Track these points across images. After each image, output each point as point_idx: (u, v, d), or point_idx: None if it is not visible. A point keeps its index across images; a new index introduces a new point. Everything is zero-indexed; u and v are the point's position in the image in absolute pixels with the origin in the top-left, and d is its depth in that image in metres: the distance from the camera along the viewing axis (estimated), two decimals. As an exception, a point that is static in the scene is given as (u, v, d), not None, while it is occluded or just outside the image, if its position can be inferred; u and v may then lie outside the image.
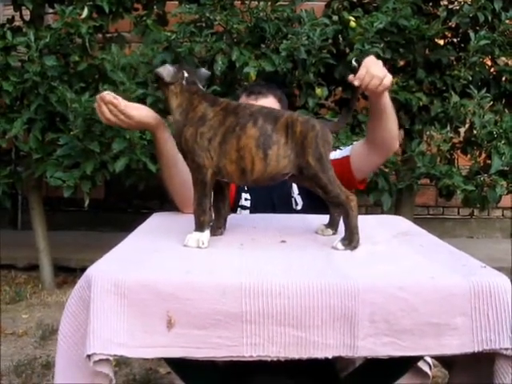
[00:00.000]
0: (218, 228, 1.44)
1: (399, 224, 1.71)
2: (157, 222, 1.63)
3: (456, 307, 1.08)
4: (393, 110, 1.69)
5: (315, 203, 1.62)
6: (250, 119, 1.32)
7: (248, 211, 1.88)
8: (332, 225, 1.45)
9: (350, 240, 1.31)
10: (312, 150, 1.29)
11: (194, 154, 1.33)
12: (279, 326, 1.04)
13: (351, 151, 1.81)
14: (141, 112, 1.56)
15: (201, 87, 1.41)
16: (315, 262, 1.20)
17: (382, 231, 1.55)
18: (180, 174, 1.59)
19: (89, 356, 0.99)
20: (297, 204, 1.89)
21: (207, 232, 1.34)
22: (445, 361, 1.31)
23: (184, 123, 1.35)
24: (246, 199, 1.89)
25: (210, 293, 1.03)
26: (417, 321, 1.06)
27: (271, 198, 1.87)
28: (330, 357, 1.05)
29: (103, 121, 1.54)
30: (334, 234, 1.44)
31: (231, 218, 1.80)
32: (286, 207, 1.87)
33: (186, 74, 1.40)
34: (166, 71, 1.40)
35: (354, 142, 1.89)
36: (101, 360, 1.00)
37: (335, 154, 1.83)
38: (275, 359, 1.04)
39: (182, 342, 1.03)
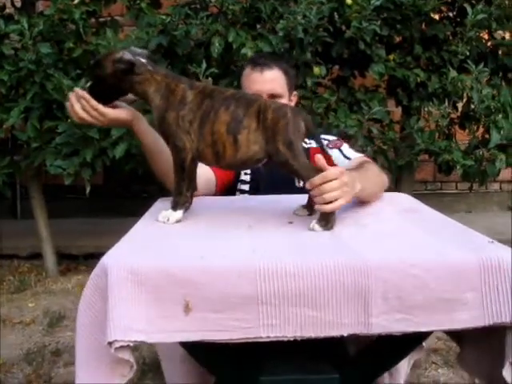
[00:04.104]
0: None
1: (403, 201, 1.72)
2: (162, 207, 1.64)
3: (466, 282, 1.10)
4: (373, 183, 1.56)
5: None
6: (223, 104, 1.33)
7: (248, 186, 1.88)
8: (308, 205, 1.45)
9: (327, 220, 1.30)
10: (282, 137, 1.29)
11: (176, 138, 1.35)
12: (294, 306, 1.05)
13: (345, 167, 1.78)
14: (115, 109, 1.50)
15: (164, 69, 1.42)
16: (325, 242, 1.22)
17: (387, 209, 1.57)
18: (167, 162, 1.52)
19: (110, 343, 1.01)
20: (299, 181, 1.89)
21: (180, 211, 1.40)
22: (455, 335, 1.33)
23: (165, 108, 1.36)
24: (245, 173, 1.89)
25: (225, 276, 1.05)
26: (428, 297, 1.08)
27: (272, 174, 1.85)
28: (345, 335, 1.07)
29: (76, 119, 1.49)
30: (309, 214, 1.43)
31: (236, 199, 1.82)
32: (289, 184, 1.87)
33: (144, 60, 1.40)
34: (137, 60, 1.38)
35: (355, 157, 1.84)
36: (121, 347, 1.01)
37: (336, 157, 1.84)
38: (292, 339, 1.06)
39: (200, 326, 1.05)
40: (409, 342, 1.25)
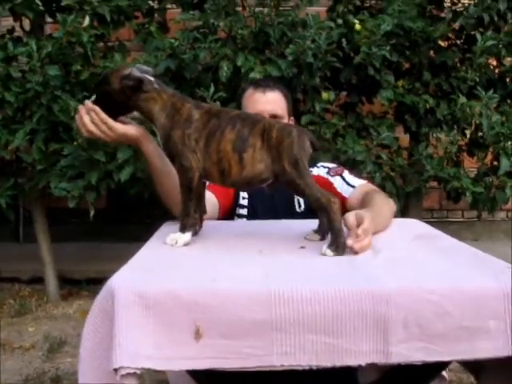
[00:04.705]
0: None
1: (416, 227, 1.69)
2: (168, 231, 1.60)
3: (488, 310, 1.06)
4: (385, 217, 1.59)
5: None
6: (229, 123, 1.32)
7: (246, 210, 1.86)
8: (319, 230, 1.43)
9: (337, 244, 1.27)
10: (287, 156, 1.28)
11: (182, 157, 1.33)
12: (310, 333, 1.00)
13: (351, 196, 1.78)
14: (123, 124, 1.47)
15: (171, 89, 1.41)
16: (340, 268, 1.18)
17: (400, 234, 1.54)
18: (174, 182, 1.49)
19: (115, 370, 0.96)
20: (300, 206, 1.86)
21: (188, 233, 1.37)
22: (473, 366, 1.28)
23: (171, 126, 1.35)
24: (243, 198, 1.87)
25: (238, 301, 1.00)
26: (450, 325, 1.04)
27: (273, 199, 1.84)
28: (363, 364, 1.02)
29: (84, 134, 1.46)
30: (320, 239, 1.41)
31: (242, 223, 1.78)
32: (288, 209, 1.85)
33: (151, 78, 1.39)
34: (145, 77, 1.37)
35: (359, 185, 1.82)
36: (128, 374, 0.96)
37: (339, 184, 1.82)
38: (307, 368, 1.01)
39: (210, 353, 1.00)
40: (427, 372, 1.20)
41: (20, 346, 2.84)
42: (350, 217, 1.34)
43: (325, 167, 1.91)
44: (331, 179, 1.84)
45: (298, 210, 1.86)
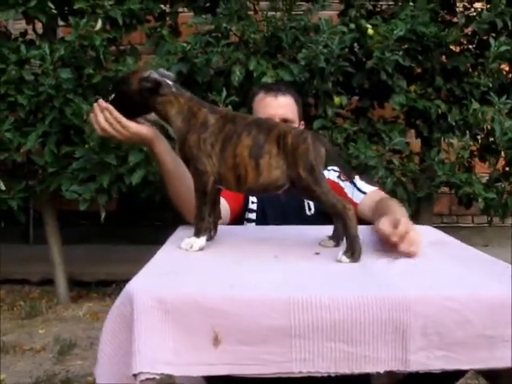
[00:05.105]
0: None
1: (429, 233, 1.68)
2: (183, 235, 1.60)
3: (507, 318, 1.05)
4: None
5: None
6: (245, 129, 1.32)
7: (254, 214, 1.86)
8: (334, 236, 1.42)
9: (352, 251, 1.27)
10: (303, 162, 1.28)
11: (197, 161, 1.33)
12: (329, 340, 1.00)
13: (362, 202, 1.78)
14: (137, 124, 1.47)
15: (189, 93, 1.41)
16: (357, 275, 1.17)
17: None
18: (185, 185, 1.51)
19: (135, 375, 0.96)
20: (310, 209, 1.86)
21: (203, 238, 1.37)
22: (489, 374, 1.27)
23: (187, 130, 1.35)
24: (252, 202, 1.87)
25: (257, 307, 1.00)
26: (470, 333, 1.03)
27: (282, 203, 1.83)
28: (381, 371, 1.01)
29: (98, 131, 1.46)
30: (335, 246, 1.41)
31: (258, 229, 1.78)
32: (298, 212, 1.85)
33: (170, 82, 1.39)
34: (163, 81, 1.37)
35: (370, 191, 1.83)
36: (147, 379, 0.96)
37: (349, 190, 1.82)
38: (325, 375, 1.01)
39: (229, 359, 0.99)
40: (444, 380, 1.19)
41: (30, 347, 2.85)
42: (385, 223, 1.35)
43: (335, 171, 1.90)
44: (342, 184, 1.84)
45: (308, 213, 1.86)
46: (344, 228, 1.30)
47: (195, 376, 1.45)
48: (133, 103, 1.42)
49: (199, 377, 1.49)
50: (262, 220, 1.84)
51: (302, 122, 1.99)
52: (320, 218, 1.74)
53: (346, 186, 1.84)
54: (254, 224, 1.85)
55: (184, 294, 1.02)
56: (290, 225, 1.71)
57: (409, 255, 1.31)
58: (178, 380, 1.58)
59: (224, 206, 1.71)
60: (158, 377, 0.97)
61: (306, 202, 1.86)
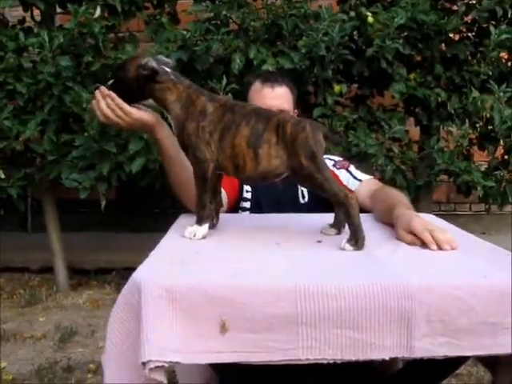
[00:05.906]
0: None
1: (432, 222, 1.69)
2: (186, 223, 1.60)
3: (508, 305, 1.06)
4: (407, 204, 1.62)
5: (322, 196, 1.61)
6: (244, 118, 1.32)
7: (249, 203, 1.86)
8: (335, 224, 1.43)
9: (356, 239, 1.28)
10: (304, 151, 1.28)
11: (196, 149, 1.34)
12: (335, 328, 1.01)
13: (357, 189, 1.79)
14: (139, 109, 1.48)
15: (188, 80, 1.41)
16: (361, 263, 1.18)
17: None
18: (187, 172, 1.51)
19: (144, 364, 0.97)
20: (304, 197, 1.87)
21: (205, 226, 1.37)
22: (488, 361, 1.29)
23: (185, 117, 1.35)
24: (247, 191, 1.87)
25: (263, 295, 1.01)
26: (473, 320, 1.05)
27: (276, 192, 1.84)
28: (386, 358, 1.03)
29: (100, 118, 1.47)
30: (337, 233, 1.42)
31: (263, 217, 1.78)
32: (292, 201, 1.86)
33: (168, 69, 1.39)
34: (161, 68, 1.37)
35: (366, 179, 1.85)
36: (156, 367, 0.97)
37: (345, 178, 1.84)
38: (331, 362, 1.02)
39: (236, 347, 1.01)
40: (446, 366, 1.21)
41: (31, 335, 2.87)
42: (405, 237, 1.36)
43: (331, 159, 1.92)
44: (336, 171, 1.85)
45: (302, 201, 1.87)
46: (347, 216, 1.30)
47: (197, 375, 1.48)
48: (130, 90, 1.42)
49: (201, 376, 1.52)
50: (256, 209, 1.84)
51: (295, 111, 2.00)
52: (314, 206, 1.76)
53: (341, 173, 1.85)
54: (248, 213, 1.85)
55: (191, 283, 1.03)
56: (284, 213, 1.72)
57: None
58: (180, 380, 1.60)
59: (223, 193, 1.72)
60: (166, 365, 0.98)
61: (300, 190, 1.87)
